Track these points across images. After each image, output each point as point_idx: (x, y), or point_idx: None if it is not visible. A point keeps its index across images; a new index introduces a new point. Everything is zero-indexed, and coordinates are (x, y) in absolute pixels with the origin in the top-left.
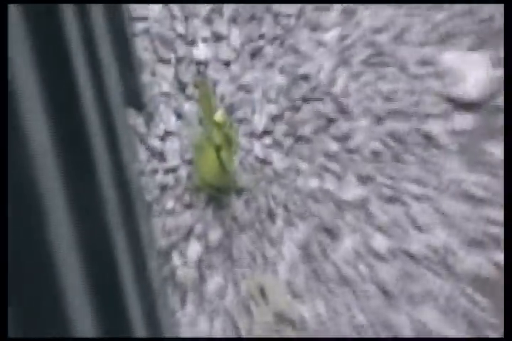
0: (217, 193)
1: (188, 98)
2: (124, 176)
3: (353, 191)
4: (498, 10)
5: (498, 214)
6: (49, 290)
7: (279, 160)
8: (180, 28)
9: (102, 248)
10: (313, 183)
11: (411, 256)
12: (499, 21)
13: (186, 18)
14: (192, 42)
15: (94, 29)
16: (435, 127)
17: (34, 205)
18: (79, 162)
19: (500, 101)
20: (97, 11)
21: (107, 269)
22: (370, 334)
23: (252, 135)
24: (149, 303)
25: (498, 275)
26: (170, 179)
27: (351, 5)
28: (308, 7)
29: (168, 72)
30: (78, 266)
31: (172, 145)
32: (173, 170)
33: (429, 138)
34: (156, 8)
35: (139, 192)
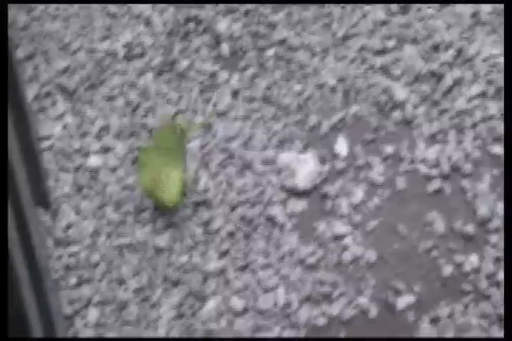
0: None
1: (85, 197)
2: (34, 259)
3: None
4: (323, 118)
5: (327, 277)
6: None
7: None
8: (77, 144)
9: (18, 314)
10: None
11: (261, 312)
12: (324, 128)
13: (81, 136)
14: (86, 154)
15: (8, 146)
16: (276, 211)
17: None
18: None
19: (325, 189)
20: (9, 133)
21: (21, 331)
22: None
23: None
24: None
25: (328, 324)
26: (72, 261)
27: (209, 121)
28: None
29: (68, 177)
30: None
31: (73, 235)
32: (74, 254)
33: (271, 220)
34: (57, 129)
35: (47, 271)
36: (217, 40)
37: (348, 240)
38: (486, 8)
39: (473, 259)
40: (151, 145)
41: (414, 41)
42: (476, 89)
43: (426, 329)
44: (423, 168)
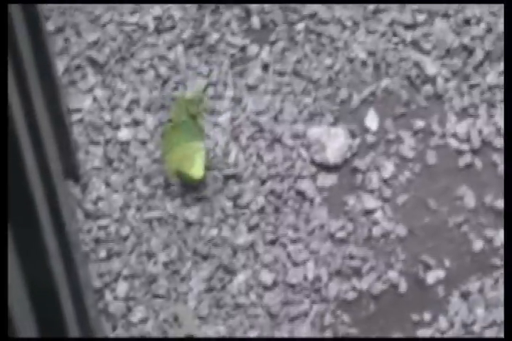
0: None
1: (115, 170)
2: (64, 232)
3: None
4: (354, 91)
5: (357, 251)
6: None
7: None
8: (107, 116)
9: (47, 287)
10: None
11: (290, 286)
12: (354, 102)
13: (111, 109)
14: (116, 127)
15: (38, 119)
16: (305, 185)
17: None
18: (27, 222)
19: (355, 163)
20: (39, 106)
21: (51, 303)
22: None
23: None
24: (87, 331)
25: (357, 298)
26: (102, 234)
27: (239, 94)
28: (206, 96)
29: (98, 151)
30: (28, 303)
31: (103, 208)
32: (104, 227)
33: (300, 194)
34: (87, 102)
35: (76, 244)
36: (248, 14)
37: (378, 214)
38: None
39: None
40: (170, 122)
41: (445, 15)
42: None
43: (456, 304)
44: (454, 143)
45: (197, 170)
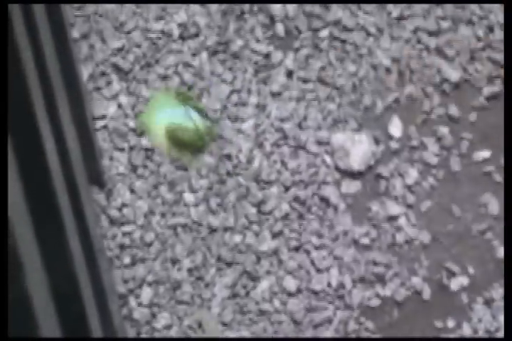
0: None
1: (139, 177)
2: (88, 238)
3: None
4: (378, 98)
5: (381, 257)
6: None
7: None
8: (132, 123)
9: (72, 293)
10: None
11: (314, 292)
12: (378, 109)
13: (136, 115)
14: (141, 134)
15: (63, 126)
16: (329, 192)
17: (16, 264)
18: (52, 228)
19: (379, 170)
20: (64, 112)
21: (75, 309)
22: None
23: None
24: (111, 337)
25: (381, 305)
26: (126, 240)
27: (263, 100)
28: (230, 103)
29: (122, 157)
30: (52, 309)
31: (127, 214)
32: (128, 233)
33: (324, 201)
34: (112, 109)
35: (101, 250)
36: (272, 20)
37: (401, 221)
38: None
39: None
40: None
41: (469, 22)
42: None
43: (480, 311)
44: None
45: (194, 135)
